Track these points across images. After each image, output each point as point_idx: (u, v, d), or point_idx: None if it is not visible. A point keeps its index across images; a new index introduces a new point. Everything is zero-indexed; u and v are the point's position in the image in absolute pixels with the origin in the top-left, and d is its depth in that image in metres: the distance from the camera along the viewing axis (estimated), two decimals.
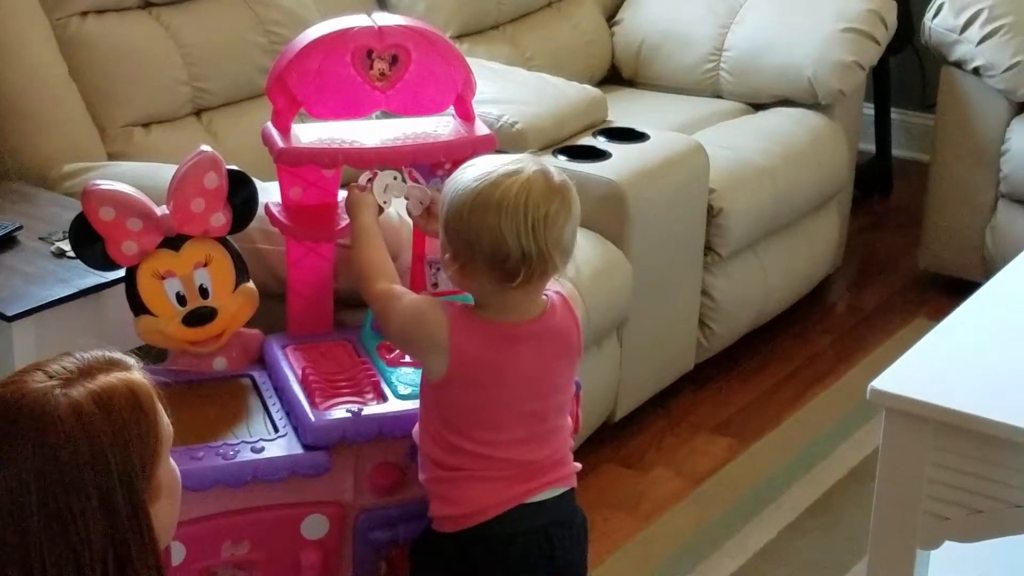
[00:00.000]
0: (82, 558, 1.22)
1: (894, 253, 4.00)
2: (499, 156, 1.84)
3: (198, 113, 2.92)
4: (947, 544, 2.20)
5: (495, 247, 1.74)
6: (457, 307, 1.85)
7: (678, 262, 3.08)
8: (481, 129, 2.14)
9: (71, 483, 1.22)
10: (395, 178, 2.04)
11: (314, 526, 1.95)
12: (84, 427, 1.23)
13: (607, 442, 2.99)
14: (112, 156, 2.72)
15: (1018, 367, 2.23)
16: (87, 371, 1.28)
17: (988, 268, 3.42)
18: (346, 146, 2.07)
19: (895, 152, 4.38)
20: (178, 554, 1.87)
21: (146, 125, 2.81)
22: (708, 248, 3.15)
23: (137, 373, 1.32)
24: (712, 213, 3.12)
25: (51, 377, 1.26)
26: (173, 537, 1.38)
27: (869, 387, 2.17)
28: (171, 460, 1.34)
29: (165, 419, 1.32)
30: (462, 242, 1.78)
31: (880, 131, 4.30)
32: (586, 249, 2.81)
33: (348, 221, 2.13)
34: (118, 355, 1.33)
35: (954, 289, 3.37)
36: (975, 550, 2.31)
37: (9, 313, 2.01)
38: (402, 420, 1.95)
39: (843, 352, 3.47)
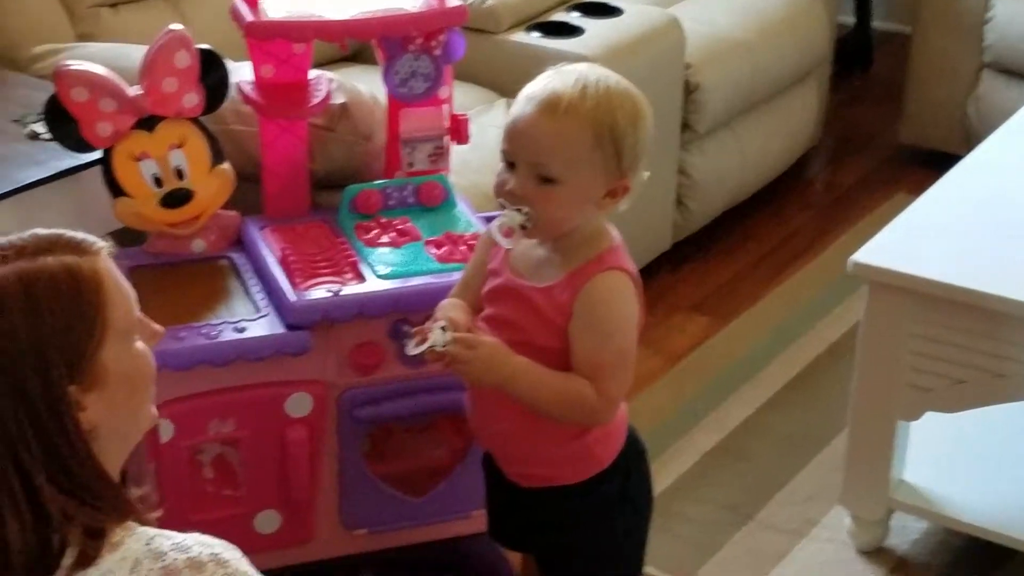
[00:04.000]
0: None
1: (874, 128, 3.98)
2: (564, 67, 1.68)
3: None
4: (927, 415, 2.23)
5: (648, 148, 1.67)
6: (621, 256, 1.70)
7: (654, 140, 3.05)
8: (451, 1, 2.10)
9: None
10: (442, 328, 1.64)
11: (298, 404, 1.95)
12: None
13: None
14: (80, 37, 2.67)
15: (1000, 238, 2.24)
16: (31, 250, 1.23)
17: (970, 140, 3.41)
18: (315, 19, 2.04)
19: (875, 24, 4.34)
20: (166, 432, 1.89)
21: (113, 5, 2.76)
22: (685, 125, 3.13)
23: (97, 259, 1.26)
24: (689, 89, 3.09)
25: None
26: (153, 421, 1.33)
27: (850, 260, 2.18)
28: (135, 348, 1.28)
29: (120, 307, 1.26)
30: (639, 154, 1.66)
31: (860, 2, 4.25)
32: None
33: (322, 98, 2.11)
34: (83, 237, 1.27)
35: (934, 163, 3.36)
36: (952, 421, 2.34)
37: None
38: (381, 300, 1.94)
39: (822, 229, 3.47)
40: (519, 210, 1.63)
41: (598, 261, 1.67)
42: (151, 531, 1.22)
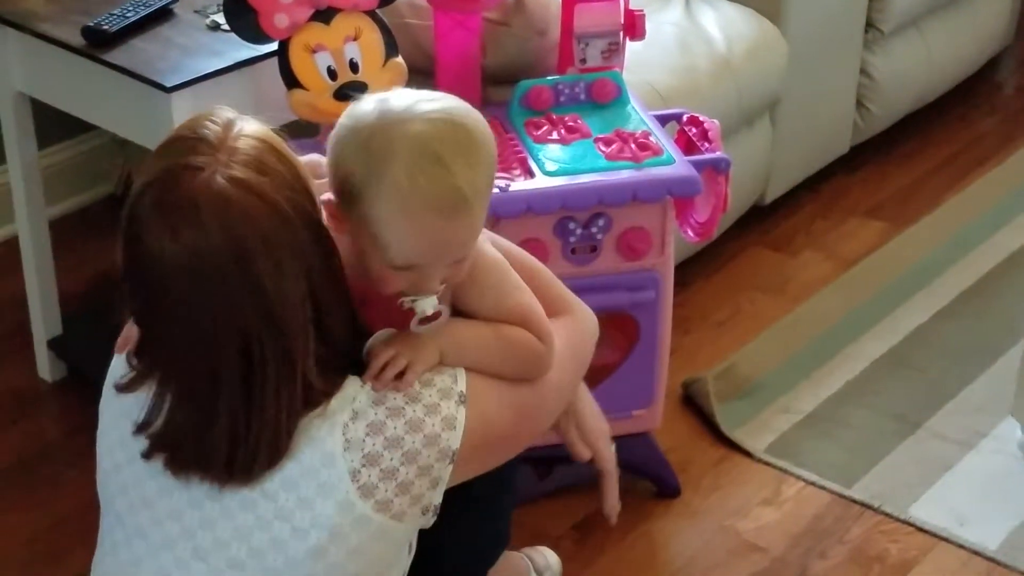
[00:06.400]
0: (285, 314, 1.30)
1: None
2: (399, 116, 1.41)
3: None
4: None
5: None
6: None
7: (836, 39, 2.98)
8: None
9: (267, 250, 1.28)
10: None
11: None
12: (259, 196, 1.29)
13: (756, 224, 2.96)
14: None
15: None
16: (225, 142, 1.32)
17: None
18: None
19: None
20: None
21: None
22: (869, 24, 3.04)
23: (252, 122, 1.37)
24: None
25: (203, 165, 1.30)
26: None
27: None
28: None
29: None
30: None
31: None
32: (739, 25, 2.73)
33: None
34: (228, 111, 1.37)
35: None
36: None
37: (168, 84, 2.05)
38: (549, 196, 1.95)
39: (1009, 134, 3.34)
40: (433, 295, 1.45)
41: None
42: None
